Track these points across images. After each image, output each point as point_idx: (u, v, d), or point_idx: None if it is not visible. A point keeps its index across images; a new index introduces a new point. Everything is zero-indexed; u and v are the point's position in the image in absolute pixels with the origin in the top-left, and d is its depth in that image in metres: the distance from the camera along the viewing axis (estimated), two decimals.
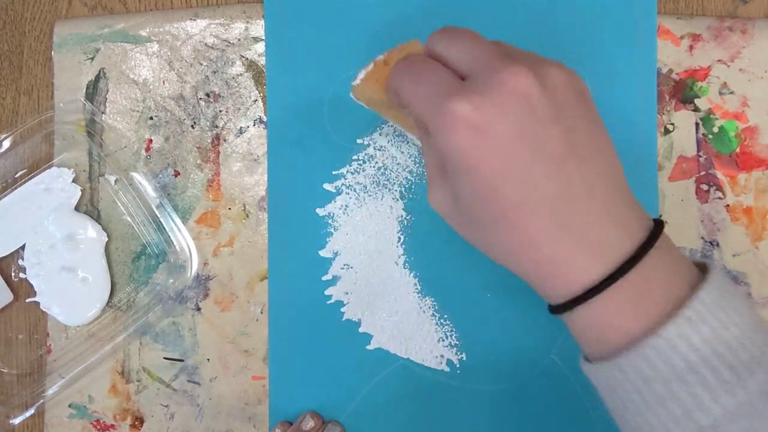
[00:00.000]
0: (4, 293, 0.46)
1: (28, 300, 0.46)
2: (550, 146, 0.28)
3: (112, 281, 0.46)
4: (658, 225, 0.30)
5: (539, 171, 0.28)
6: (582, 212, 0.29)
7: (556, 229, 0.28)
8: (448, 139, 0.28)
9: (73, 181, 0.46)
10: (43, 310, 0.46)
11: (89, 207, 0.47)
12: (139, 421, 0.46)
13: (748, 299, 0.45)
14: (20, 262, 0.46)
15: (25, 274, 0.46)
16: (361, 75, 0.36)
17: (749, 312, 0.28)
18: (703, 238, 0.45)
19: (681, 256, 0.31)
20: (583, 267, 0.29)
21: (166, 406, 0.46)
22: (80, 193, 0.46)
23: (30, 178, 0.46)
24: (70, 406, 0.46)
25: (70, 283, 0.45)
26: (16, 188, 0.46)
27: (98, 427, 0.46)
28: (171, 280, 0.46)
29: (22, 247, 0.46)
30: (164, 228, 0.46)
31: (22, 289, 0.47)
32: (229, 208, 0.46)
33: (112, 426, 0.46)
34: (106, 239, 0.46)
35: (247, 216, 0.46)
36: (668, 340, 0.27)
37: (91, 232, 0.46)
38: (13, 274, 0.47)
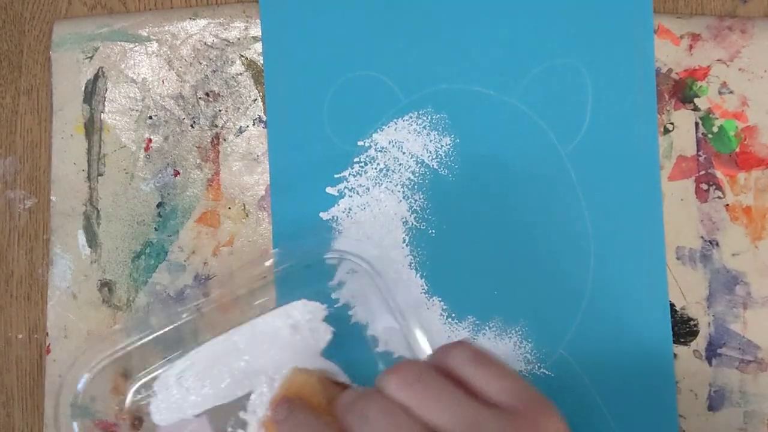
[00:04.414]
0: None
1: None
2: None
3: (112, 282, 0.46)
4: None
5: None
6: None
7: None
8: None
9: (325, 320, 0.37)
10: None
11: (89, 207, 0.47)
12: (139, 420, 0.46)
13: None
14: (242, 414, 0.35)
15: (244, 431, 0.34)
16: None
17: None
18: (702, 237, 0.45)
19: None
20: None
21: None
22: (331, 335, 0.39)
23: (271, 310, 0.38)
24: (69, 406, 0.46)
25: None
26: (249, 319, 0.38)
27: (99, 426, 0.46)
28: (171, 280, 0.46)
29: (247, 396, 0.36)
30: (164, 228, 0.46)
31: None
32: (229, 208, 0.46)
33: (113, 426, 0.46)
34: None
35: (247, 215, 0.46)
36: None
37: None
38: (230, 429, 0.36)
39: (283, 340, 0.36)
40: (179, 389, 0.35)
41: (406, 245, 0.45)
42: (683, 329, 0.45)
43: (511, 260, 0.45)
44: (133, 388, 0.42)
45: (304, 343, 0.37)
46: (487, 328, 0.45)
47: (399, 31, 0.46)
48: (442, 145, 0.46)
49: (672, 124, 0.46)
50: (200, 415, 0.35)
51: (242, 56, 0.47)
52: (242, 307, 0.46)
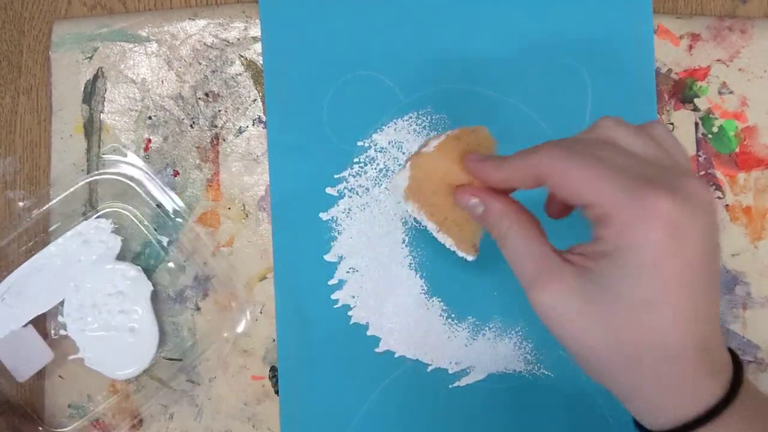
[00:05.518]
0: (44, 352, 0.44)
1: (71, 357, 0.45)
2: (716, 265, 0.29)
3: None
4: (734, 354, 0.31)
5: (709, 283, 0.28)
6: (717, 333, 0.29)
7: (699, 344, 0.28)
8: (644, 234, 0.27)
9: (113, 231, 0.44)
10: (89, 366, 0.44)
11: (88, 207, 0.47)
12: (138, 420, 0.46)
13: None
14: (60, 318, 0.45)
15: (65, 330, 0.44)
16: (434, 143, 0.33)
17: None
18: None
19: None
20: (708, 386, 0.28)
21: (165, 406, 0.46)
22: (121, 243, 0.45)
23: (66, 231, 0.44)
24: (69, 406, 0.46)
25: (117, 336, 0.44)
26: (51, 242, 0.45)
27: (98, 427, 0.46)
28: (171, 280, 0.46)
29: (62, 303, 0.44)
30: (163, 228, 0.46)
31: (61, 347, 0.45)
32: (229, 208, 0.46)
33: (112, 426, 0.46)
34: (152, 288, 0.44)
35: (247, 216, 0.46)
36: None
37: (136, 282, 0.44)
38: (52, 331, 0.45)
39: (79, 254, 0.44)
40: (4, 307, 0.44)
41: (406, 245, 0.45)
42: None
43: None
44: None
45: (98, 253, 0.44)
46: (487, 328, 0.45)
47: (399, 31, 0.46)
48: None
49: (672, 124, 0.46)
50: (26, 324, 0.44)
51: (242, 56, 0.47)
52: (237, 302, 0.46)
